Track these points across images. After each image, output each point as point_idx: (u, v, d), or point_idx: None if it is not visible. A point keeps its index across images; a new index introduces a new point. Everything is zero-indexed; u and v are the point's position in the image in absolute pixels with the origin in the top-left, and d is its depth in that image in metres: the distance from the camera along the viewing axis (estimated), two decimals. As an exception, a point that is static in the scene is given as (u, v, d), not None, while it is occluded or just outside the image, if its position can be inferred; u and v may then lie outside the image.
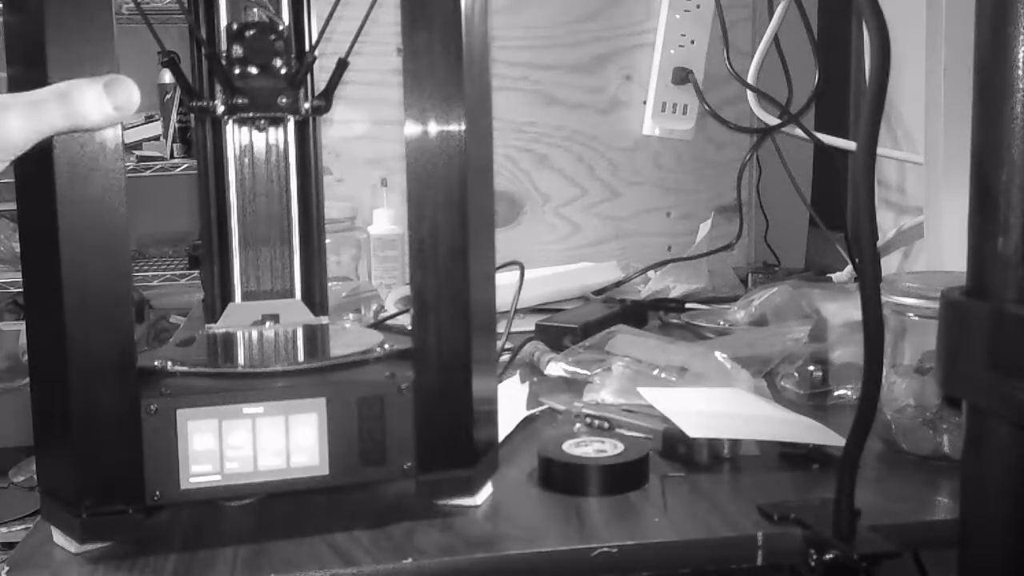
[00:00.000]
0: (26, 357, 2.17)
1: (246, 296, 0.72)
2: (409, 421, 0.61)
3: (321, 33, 0.70)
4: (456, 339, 0.62)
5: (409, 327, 1.12)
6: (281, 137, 0.71)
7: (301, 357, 0.65)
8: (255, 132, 0.71)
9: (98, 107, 0.52)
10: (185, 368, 0.61)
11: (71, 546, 0.58)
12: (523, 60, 1.45)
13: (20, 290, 2.14)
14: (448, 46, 0.60)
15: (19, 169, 0.56)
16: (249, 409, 0.58)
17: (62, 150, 0.53)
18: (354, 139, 1.40)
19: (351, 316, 1.10)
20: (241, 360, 0.67)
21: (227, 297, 0.72)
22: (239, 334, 0.71)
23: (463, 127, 0.60)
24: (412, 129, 0.60)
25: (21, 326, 1.99)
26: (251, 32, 0.67)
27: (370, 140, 1.41)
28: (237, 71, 0.67)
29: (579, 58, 1.47)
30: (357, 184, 1.41)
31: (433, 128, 0.60)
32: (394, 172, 1.40)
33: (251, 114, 0.68)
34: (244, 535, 0.60)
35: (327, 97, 0.70)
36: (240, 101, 0.67)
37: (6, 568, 0.58)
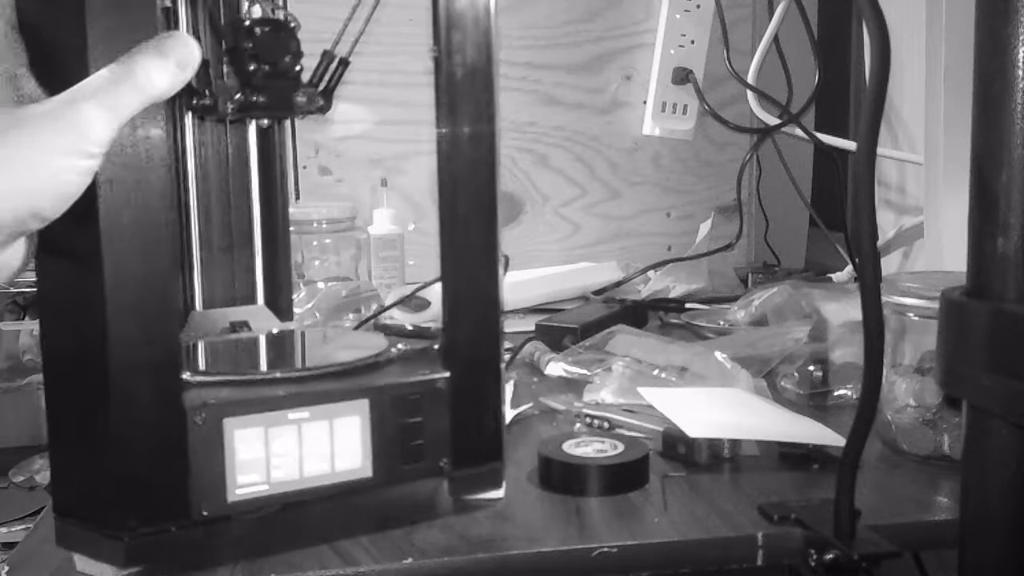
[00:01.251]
0: (27, 357, 2.15)
1: (206, 304, 0.71)
2: (446, 418, 0.61)
3: (341, 33, 0.69)
4: (487, 335, 0.63)
5: (408, 326, 1.12)
6: (243, 138, 0.71)
7: (327, 360, 0.64)
8: (217, 133, 0.69)
9: (162, 72, 0.48)
10: (227, 376, 0.59)
11: (108, 572, 0.54)
12: (523, 60, 1.45)
13: (20, 290, 2.12)
14: (480, 48, 0.61)
15: None
16: (295, 415, 0.57)
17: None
18: (354, 139, 1.40)
19: (351, 316, 1.10)
20: (273, 365, 0.66)
21: (188, 305, 0.70)
22: (250, 339, 0.70)
23: (493, 126, 0.62)
24: (446, 127, 0.61)
25: (21, 326, 1.99)
26: (263, 29, 0.66)
27: (370, 140, 1.41)
28: (252, 67, 0.66)
29: (579, 58, 1.47)
30: (357, 184, 1.41)
31: (466, 127, 0.61)
32: (394, 172, 1.40)
33: (257, 113, 0.67)
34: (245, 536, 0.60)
35: (327, 96, 0.70)
36: (259, 99, 0.66)
37: (6, 568, 0.57)
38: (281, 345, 0.71)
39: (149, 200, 0.51)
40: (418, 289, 1.09)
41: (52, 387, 0.55)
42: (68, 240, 0.52)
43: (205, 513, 0.54)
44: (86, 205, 0.50)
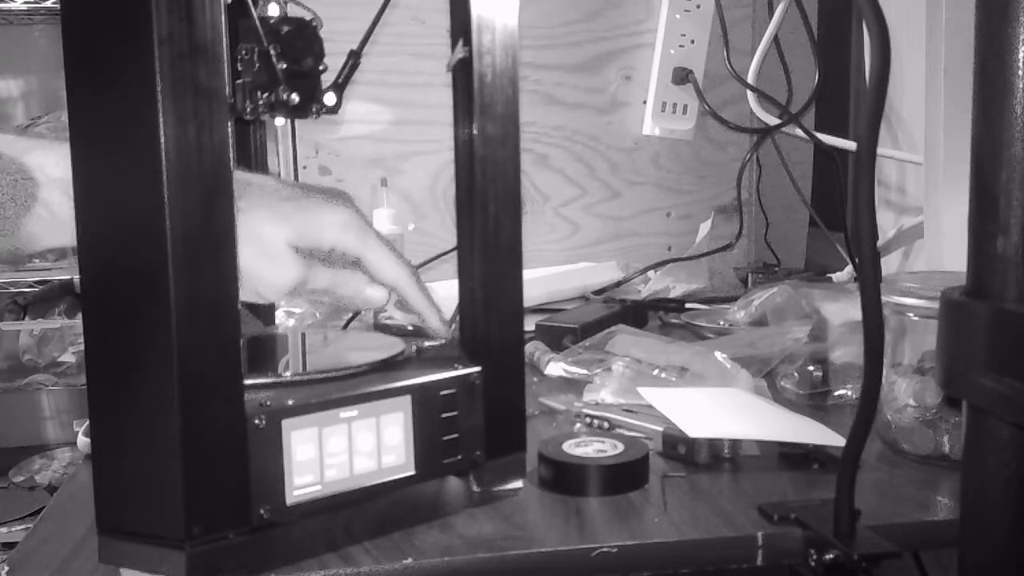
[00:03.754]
0: (27, 357, 2.14)
1: None
2: (480, 412, 0.63)
3: (369, 33, 0.69)
4: (512, 329, 0.65)
5: (408, 326, 1.12)
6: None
7: (355, 360, 0.64)
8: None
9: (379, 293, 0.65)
10: (279, 377, 0.59)
11: None
12: (523, 60, 1.44)
13: (20, 290, 2.11)
14: (508, 49, 0.63)
15: (107, 162, 0.50)
16: (345, 413, 0.57)
17: (172, 144, 0.49)
18: (354, 139, 1.40)
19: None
20: (312, 365, 0.66)
21: None
22: (271, 339, 0.70)
23: (518, 126, 0.63)
24: (477, 128, 0.62)
25: (21, 326, 1.99)
26: (288, 28, 0.65)
27: (370, 140, 1.41)
28: (284, 67, 0.65)
29: (579, 58, 1.47)
30: (357, 184, 1.40)
31: (496, 127, 0.63)
32: (394, 172, 1.40)
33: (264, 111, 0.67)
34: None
35: (339, 93, 0.70)
36: (289, 98, 0.65)
37: (6, 568, 0.57)
38: (304, 345, 0.72)
39: (216, 203, 0.51)
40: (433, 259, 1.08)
41: (102, 399, 0.53)
42: (130, 244, 0.51)
43: (265, 517, 0.54)
44: (153, 213, 0.49)
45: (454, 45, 0.63)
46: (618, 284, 1.34)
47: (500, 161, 0.63)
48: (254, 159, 0.73)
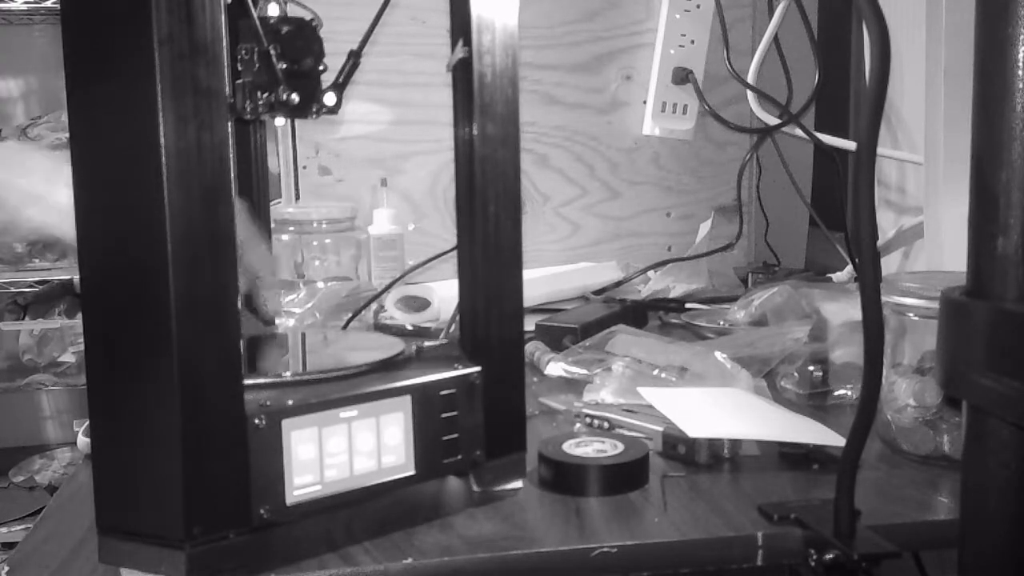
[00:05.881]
0: (27, 357, 2.14)
1: None
2: (480, 412, 0.63)
3: (369, 33, 0.69)
4: (512, 329, 0.65)
5: (408, 326, 1.12)
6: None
7: (355, 360, 0.64)
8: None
9: None
10: (279, 377, 0.59)
11: None
12: (523, 60, 1.44)
13: (20, 290, 2.10)
14: (508, 49, 0.63)
15: (108, 162, 0.50)
16: (345, 413, 0.57)
17: (172, 144, 0.49)
18: (354, 139, 1.40)
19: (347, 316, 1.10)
20: (312, 364, 0.66)
21: None
22: (272, 339, 0.71)
23: (518, 126, 0.64)
24: (477, 128, 0.63)
25: (21, 326, 1.99)
26: (288, 28, 0.65)
27: (370, 140, 1.41)
28: (284, 67, 0.65)
29: (579, 58, 1.47)
30: (357, 184, 1.41)
31: (497, 127, 0.63)
32: (394, 172, 1.40)
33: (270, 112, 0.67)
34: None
35: (339, 93, 0.70)
36: (289, 98, 0.65)
37: (6, 568, 0.57)
38: (304, 345, 0.72)
39: (216, 203, 0.51)
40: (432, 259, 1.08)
41: (102, 399, 0.53)
42: (130, 243, 0.50)
43: (265, 517, 0.54)
44: (153, 213, 0.49)
45: (454, 45, 0.63)
46: (618, 284, 1.34)
47: (500, 161, 0.63)
48: (254, 159, 0.73)
